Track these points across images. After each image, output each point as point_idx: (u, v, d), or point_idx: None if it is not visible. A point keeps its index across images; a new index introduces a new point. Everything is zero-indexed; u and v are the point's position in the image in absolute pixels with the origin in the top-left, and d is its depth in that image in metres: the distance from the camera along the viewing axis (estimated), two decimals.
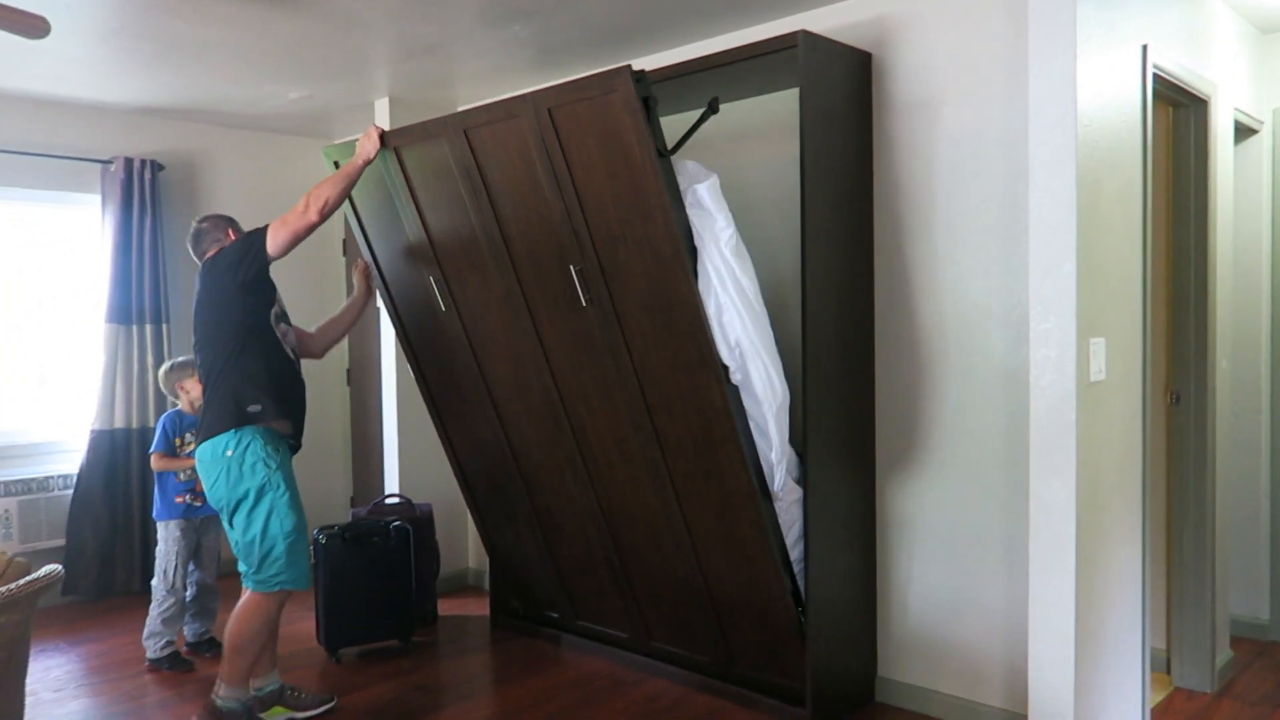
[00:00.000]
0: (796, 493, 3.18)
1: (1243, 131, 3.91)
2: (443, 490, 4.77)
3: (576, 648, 4.09)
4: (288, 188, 5.34)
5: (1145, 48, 2.98)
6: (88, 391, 4.94)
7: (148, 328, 4.97)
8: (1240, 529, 3.97)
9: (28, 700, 2.57)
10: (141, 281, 4.96)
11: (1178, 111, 3.50)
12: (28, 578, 2.18)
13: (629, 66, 2.81)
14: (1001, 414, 3.14)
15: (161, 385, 4.16)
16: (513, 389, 3.78)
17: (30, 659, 2.39)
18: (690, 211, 3.01)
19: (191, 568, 4.04)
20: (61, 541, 4.81)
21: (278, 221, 3.21)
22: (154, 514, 4.04)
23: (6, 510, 4.67)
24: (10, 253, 4.88)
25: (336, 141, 5.70)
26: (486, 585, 4.72)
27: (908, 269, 3.32)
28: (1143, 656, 3.08)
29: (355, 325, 3.92)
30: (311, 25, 3.63)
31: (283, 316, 3.42)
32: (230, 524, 3.23)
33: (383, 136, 3.49)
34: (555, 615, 4.24)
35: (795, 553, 3.21)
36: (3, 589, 2.10)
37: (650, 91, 2.87)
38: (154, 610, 3.97)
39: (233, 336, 3.22)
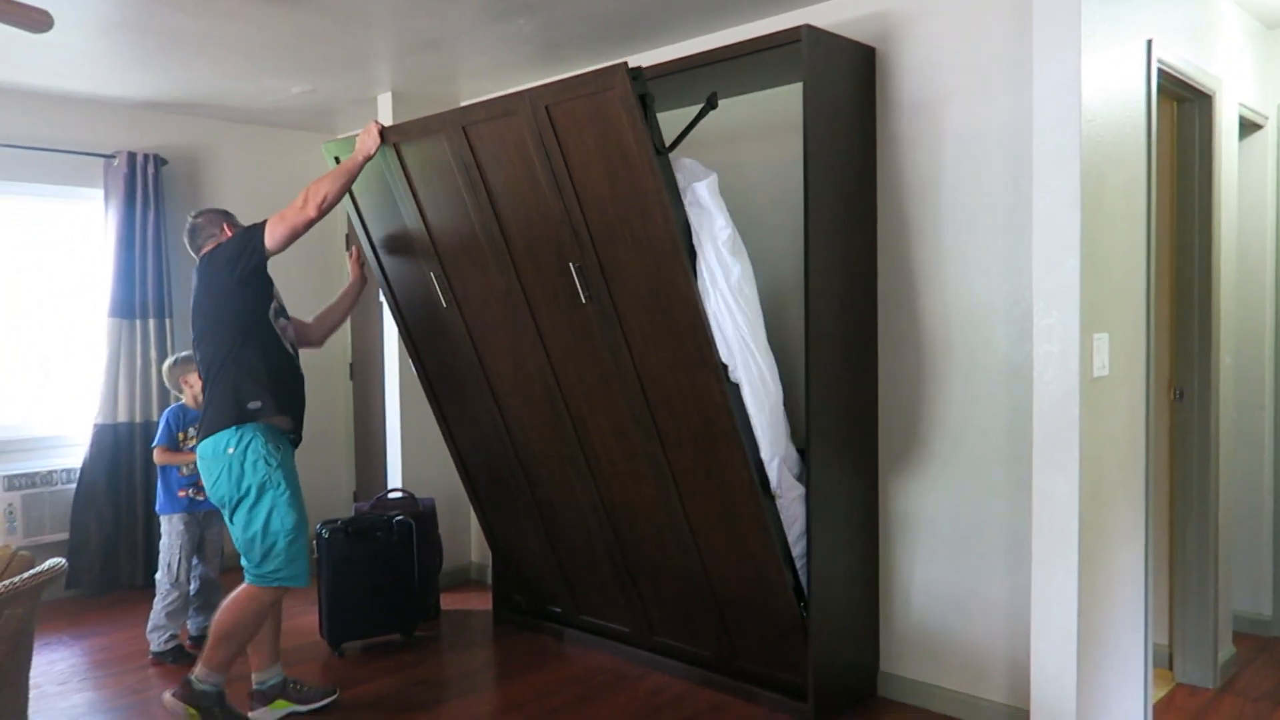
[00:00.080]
0: (798, 489, 3.18)
1: (1247, 127, 3.90)
2: (445, 485, 4.78)
3: (579, 642, 4.10)
4: (290, 182, 5.34)
5: (1150, 43, 2.97)
6: (91, 386, 4.95)
7: (151, 322, 4.97)
8: (1243, 525, 3.97)
9: (32, 693, 2.57)
10: (144, 276, 4.97)
11: (1182, 107, 3.50)
12: (31, 571, 2.18)
13: (625, 64, 2.81)
14: (1004, 410, 3.14)
15: (165, 379, 4.16)
16: (514, 384, 3.78)
17: (34, 652, 2.40)
18: (689, 210, 3.00)
19: (195, 561, 4.05)
20: (65, 535, 4.82)
21: (276, 217, 3.21)
22: (157, 508, 4.04)
23: (10, 504, 4.68)
24: (13, 247, 4.88)
25: (338, 137, 5.69)
26: (489, 580, 4.73)
27: (911, 265, 3.31)
28: (1145, 652, 3.08)
29: (352, 311, 3.92)
30: (314, 19, 3.63)
31: (281, 311, 3.42)
32: (231, 520, 3.24)
33: (382, 132, 3.48)
34: (558, 610, 4.24)
35: (798, 548, 3.22)
36: (6, 582, 2.11)
37: (647, 89, 2.87)
38: (158, 604, 3.98)
39: (232, 332, 3.22)
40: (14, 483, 4.70)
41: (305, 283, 5.05)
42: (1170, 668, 3.63)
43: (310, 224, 3.22)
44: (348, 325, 5.86)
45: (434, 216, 3.66)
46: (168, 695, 3.19)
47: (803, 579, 3.22)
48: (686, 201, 3.01)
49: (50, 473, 4.83)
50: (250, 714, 3.36)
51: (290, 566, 3.21)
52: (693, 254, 2.99)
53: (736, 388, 3.07)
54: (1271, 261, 3.97)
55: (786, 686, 3.36)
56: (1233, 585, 3.83)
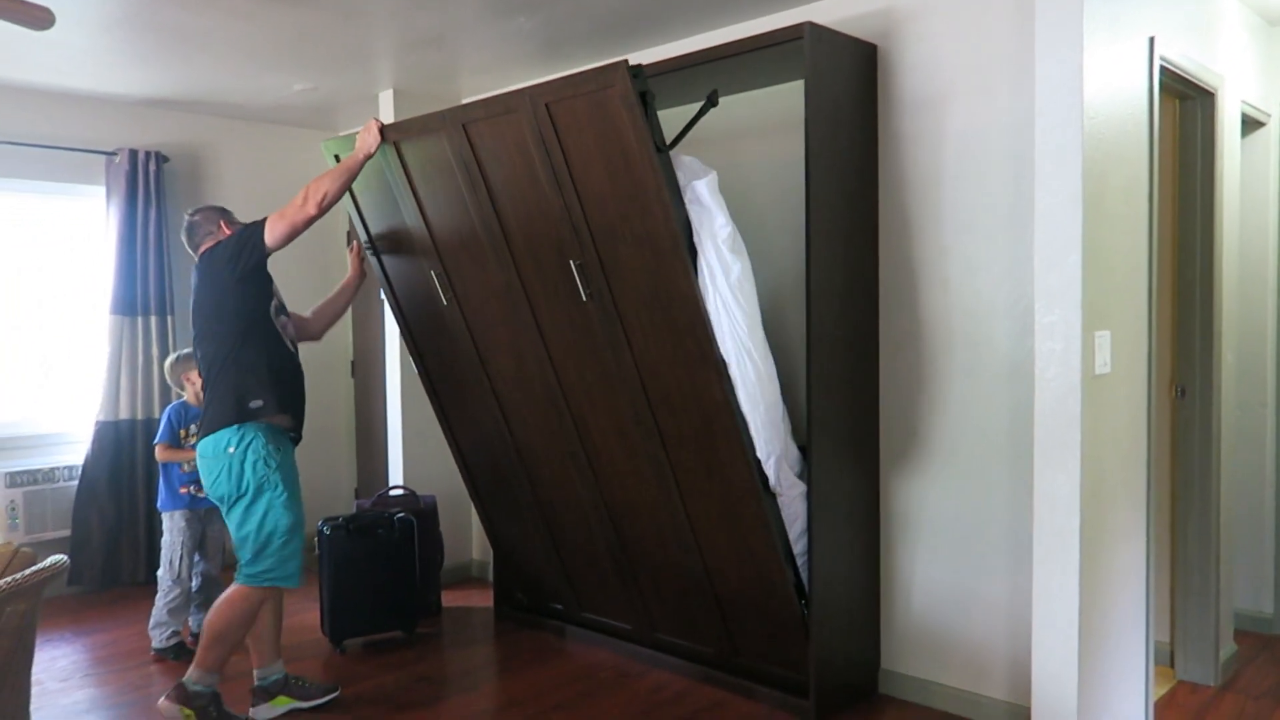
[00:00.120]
0: (800, 487, 3.18)
1: (1250, 124, 3.89)
2: (446, 482, 4.78)
3: (580, 640, 4.10)
4: (292, 179, 5.33)
5: (1152, 40, 2.97)
6: (93, 383, 4.96)
7: (152, 319, 4.98)
8: (1245, 523, 3.97)
9: (34, 690, 2.58)
10: (146, 273, 4.97)
11: (1184, 104, 3.49)
12: (33, 568, 2.19)
13: (625, 61, 2.80)
14: (1006, 407, 3.13)
15: (167, 377, 4.17)
16: (514, 382, 3.78)
17: (36, 649, 2.41)
18: (689, 207, 3.00)
19: (197, 558, 4.05)
20: (67, 532, 4.83)
21: (276, 214, 3.21)
22: (159, 505, 4.05)
23: (12, 501, 4.69)
24: (15, 245, 4.89)
25: (340, 134, 5.69)
26: (490, 577, 4.73)
27: (912, 263, 3.31)
28: (1146, 650, 3.07)
29: (350, 304, 3.93)
30: (316, 17, 3.62)
31: (281, 308, 3.42)
32: (227, 516, 3.25)
33: (382, 130, 3.48)
34: (559, 607, 4.25)
35: (799, 546, 3.22)
36: (8, 579, 2.11)
37: (648, 86, 2.86)
38: (159, 601, 3.99)
39: (233, 330, 3.22)
40: (16, 479, 4.71)
41: (305, 280, 5.05)
42: (1171, 665, 3.63)
43: (310, 222, 3.22)
44: (349, 322, 5.87)
45: (434, 214, 3.66)
46: (162, 700, 3.18)
47: (804, 576, 3.22)
48: (686, 199, 3.00)
49: (52, 470, 4.83)
50: (252, 709, 3.37)
51: (282, 567, 3.22)
52: (693, 252, 2.99)
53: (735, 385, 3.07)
54: (1274, 259, 3.96)
55: (787, 684, 3.37)
56: (1234, 583, 3.82)
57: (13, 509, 4.69)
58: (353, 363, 5.92)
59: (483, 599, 4.71)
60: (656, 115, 2.92)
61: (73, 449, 4.96)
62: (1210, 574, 3.52)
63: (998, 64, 3.09)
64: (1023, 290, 3.06)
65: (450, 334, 3.93)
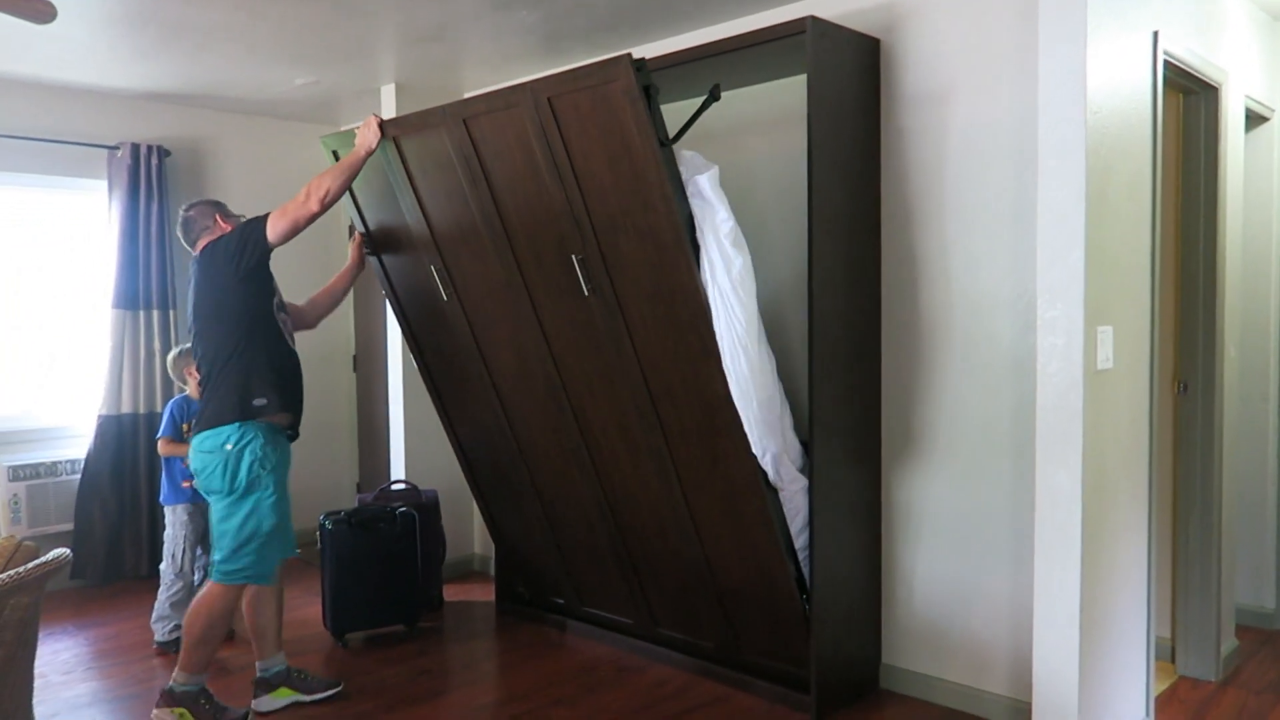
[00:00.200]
0: (801, 481, 3.17)
1: (1253, 119, 3.88)
2: (448, 476, 4.78)
3: (582, 634, 4.11)
4: (294, 173, 5.34)
5: (1156, 34, 2.96)
6: (95, 377, 4.96)
7: (155, 313, 4.98)
8: (1246, 518, 3.97)
9: (37, 683, 2.59)
10: (148, 267, 4.97)
11: (1188, 99, 3.48)
12: (36, 561, 2.19)
13: (629, 55, 2.80)
14: (1008, 402, 3.13)
15: (169, 371, 4.17)
16: (516, 377, 3.78)
17: (39, 642, 2.41)
18: (691, 202, 2.99)
19: (199, 552, 4.06)
20: (69, 526, 4.84)
21: (278, 211, 3.20)
22: (161, 499, 4.05)
23: (15, 495, 4.70)
24: (17, 238, 4.89)
25: (341, 128, 5.69)
26: (492, 571, 4.74)
27: (915, 258, 3.31)
28: (1147, 645, 3.08)
29: (347, 294, 3.92)
30: (317, 11, 3.62)
31: (281, 305, 3.43)
32: (212, 509, 3.26)
33: (382, 126, 3.47)
34: (561, 601, 4.25)
35: (800, 540, 3.22)
36: (11, 572, 2.11)
37: (651, 80, 2.86)
38: (162, 594, 4.00)
39: (238, 327, 3.21)
40: (19, 473, 4.72)
41: (307, 273, 5.04)
42: (1172, 660, 3.63)
43: (312, 219, 3.22)
44: (350, 316, 5.88)
45: (434, 210, 3.66)
46: (154, 712, 3.18)
47: (805, 571, 3.22)
48: (689, 194, 3.00)
49: (55, 463, 4.84)
50: (253, 701, 3.38)
51: (258, 566, 3.22)
52: (695, 246, 2.99)
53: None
54: (1277, 254, 3.96)
55: (789, 678, 3.37)
56: (1235, 578, 3.82)
57: (15, 503, 4.70)
58: (354, 357, 5.92)
59: (484, 593, 4.72)
60: (660, 109, 2.91)
61: (75, 443, 4.97)
62: (1211, 569, 3.52)
63: (1001, 59, 3.08)
64: (1025, 285, 3.06)
65: (450, 329, 3.93)
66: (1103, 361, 2.75)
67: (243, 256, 3.19)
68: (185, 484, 3.98)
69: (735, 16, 3.75)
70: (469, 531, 5.14)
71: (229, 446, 3.16)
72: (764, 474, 3.12)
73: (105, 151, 4.93)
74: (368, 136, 3.42)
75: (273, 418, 3.25)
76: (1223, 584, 3.56)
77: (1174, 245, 3.55)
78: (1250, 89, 3.73)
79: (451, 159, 3.43)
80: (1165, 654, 3.63)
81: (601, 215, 3.12)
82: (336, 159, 3.88)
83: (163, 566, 4.02)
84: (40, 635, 2.44)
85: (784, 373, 3.22)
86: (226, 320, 3.22)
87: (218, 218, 3.40)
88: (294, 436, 3.40)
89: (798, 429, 3.23)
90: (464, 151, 3.37)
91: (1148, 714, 3.08)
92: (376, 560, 4.06)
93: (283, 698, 3.40)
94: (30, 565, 2.16)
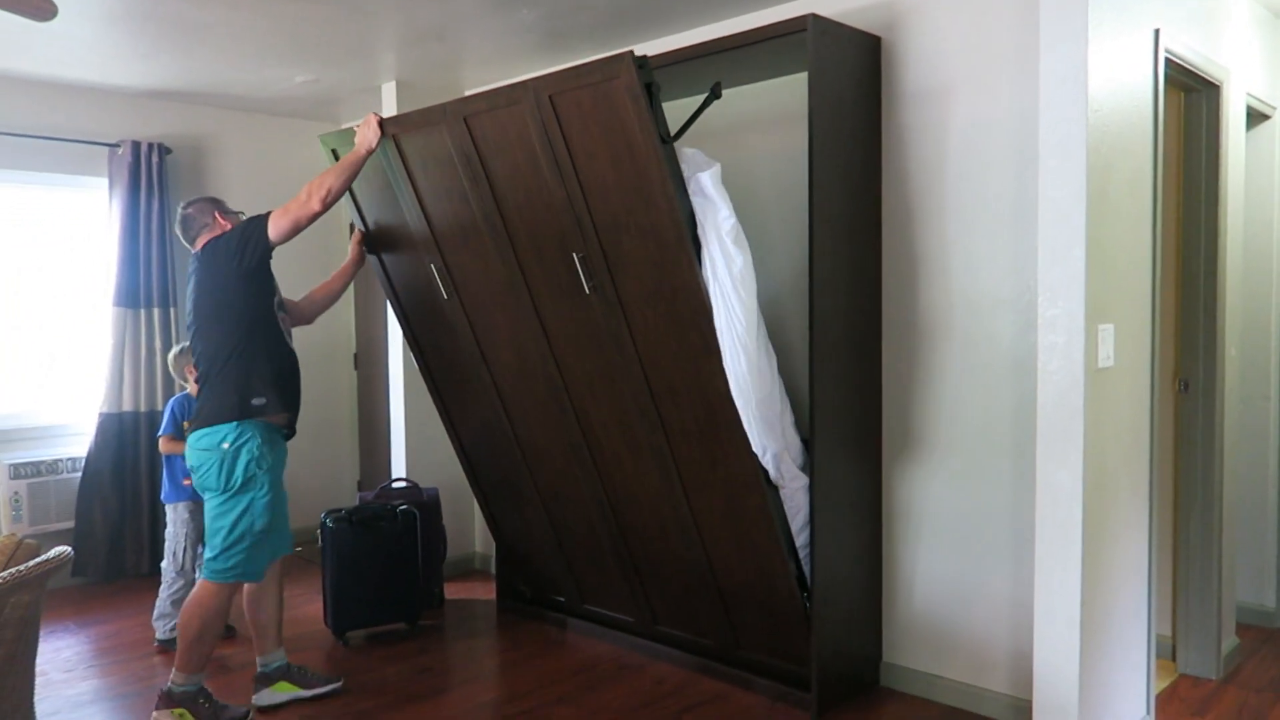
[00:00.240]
0: (802, 479, 3.17)
1: (1255, 117, 3.88)
2: (449, 474, 4.79)
3: (582, 632, 4.11)
4: (294, 171, 5.35)
5: (1157, 32, 2.95)
6: (96, 375, 4.96)
7: (155, 311, 4.98)
8: (1247, 516, 3.97)
9: (38, 680, 2.59)
10: (149, 265, 4.98)
11: (1189, 96, 3.48)
12: (37, 559, 2.19)
13: (631, 52, 2.79)
14: (1009, 400, 3.13)
15: (170, 369, 4.17)
16: (516, 376, 3.78)
17: (40, 640, 2.41)
18: (693, 199, 2.99)
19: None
20: (71, 524, 4.84)
21: (280, 210, 3.21)
22: (162, 497, 4.06)
23: (16, 492, 4.70)
24: (18, 236, 4.89)
25: (342, 126, 5.69)
26: (493, 569, 4.74)
27: (916, 256, 3.30)
28: (1148, 643, 3.08)
29: (345, 290, 3.93)
30: (318, 8, 3.62)
31: (281, 304, 3.43)
32: (206, 506, 3.27)
33: (381, 124, 3.47)
34: (561, 599, 4.25)
35: (801, 538, 3.22)
36: (12, 570, 2.11)
37: (653, 77, 2.86)
38: (163, 592, 4.00)
39: (239, 326, 3.21)
40: (19, 471, 4.72)
41: (307, 274, 5.04)
42: (1173, 659, 3.63)
43: (314, 218, 3.22)
44: (351, 315, 5.88)
45: (434, 208, 3.65)
46: (154, 714, 3.17)
47: (806, 569, 3.22)
48: (690, 191, 3.00)
49: (56, 461, 4.85)
50: (254, 696, 3.39)
51: (249, 564, 3.22)
52: (696, 244, 2.99)
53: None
54: (1278, 253, 3.95)
55: (789, 676, 3.37)
56: (1236, 576, 3.82)
57: (16, 500, 4.70)
58: (355, 355, 5.92)
59: (485, 591, 4.72)
60: (661, 107, 2.91)
61: (76, 441, 4.97)
62: (1212, 567, 3.52)
63: (1002, 56, 3.08)
64: (1026, 283, 3.06)
65: (451, 328, 3.93)
66: (1103, 360, 2.75)
67: (244, 255, 3.19)
68: (186, 482, 3.97)
69: (736, 14, 3.75)
70: (470, 529, 5.15)
71: (225, 445, 3.16)
72: (765, 472, 3.12)
73: (106, 149, 4.93)
74: (367, 135, 3.42)
75: (270, 417, 3.26)
76: (1223, 582, 3.56)
77: (1175, 243, 3.55)
78: (1252, 87, 3.73)
79: (452, 157, 3.43)
80: (1166, 652, 3.63)
81: (603, 213, 3.12)
82: (336, 157, 3.89)
83: (164, 564, 4.02)
84: (41, 633, 2.44)
85: (785, 370, 3.22)
86: (226, 319, 3.22)
87: (216, 215, 3.39)
88: (290, 435, 3.40)
89: (798, 427, 3.23)
90: (465, 150, 3.37)
91: (1148, 712, 3.08)
92: (377, 558, 4.06)
93: (282, 692, 3.41)
94: (31, 563, 2.16)
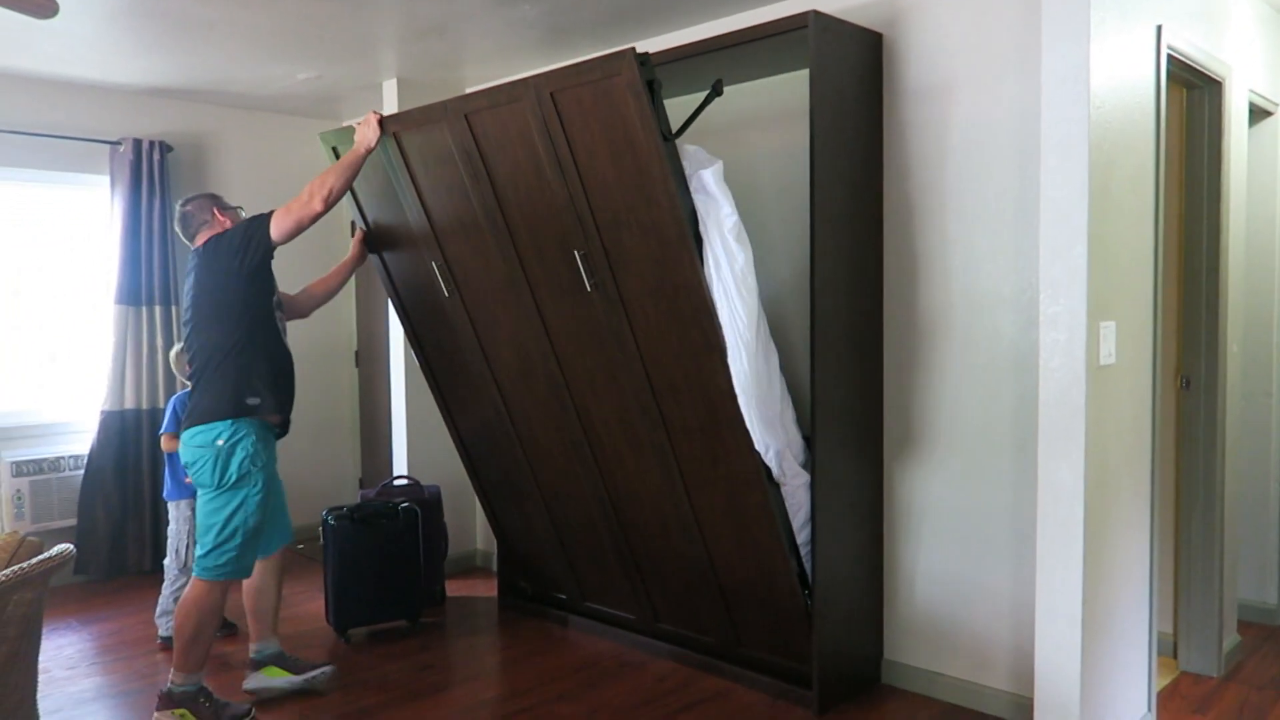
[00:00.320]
0: (803, 477, 3.18)
1: (1257, 113, 3.87)
2: (451, 472, 4.79)
3: (584, 629, 4.11)
4: (296, 169, 5.35)
5: (1159, 28, 2.95)
6: (98, 373, 4.97)
7: (157, 309, 4.99)
8: (1249, 514, 3.96)
9: (41, 678, 2.59)
10: (150, 263, 4.98)
11: (1191, 93, 3.47)
12: (40, 557, 2.19)
13: (633, 49, 2.79)
14: (1010, 397, 3.13)
15: (173, 366, 4.18)
16: (518, 374, 3.78)
17: (43, 637, 2.42)
18: (695, 196, 2.99)
19: None
20: (73, 521, 4.85)
21: (282, 210, 3.21)
22: (165, 494, 4.06)
23: (18, 490, 4.71)
24: (20, 234, 4.89)
25: (343, 124, 5.69)
26: (494, 566, 4.74)
27: (917, 253, 3.30)
28: (1149, 640, 3.08)
29: (343, 286, 3.94)
30: (320, 5, 3.62)
31: (279, 303, 3.44)
32: (199, 502, 3.27)
33: (381, 122, 3.47)
34: (563, 597, 4.26)
35: (802, 536, 3.22)
36: (15, 568, 2.12)
37: (654, 74, 2.85)
38: (166, 589, 4.01)
39: (238, 324, 3.22)
40: (22, 469, 4.73)
41: (307, 273, 5.04)
42: (1175, 656, 3.63)
43: (316, 218, 3.23)
44: (352, 312, 5.88)
45: (435, 206, 3.65)
46: (155, 715, 3.18)
47: (807, 566, 3.22)
48: (692, 188, 3.00)
49: (58, 459, 4.85)
50: (245, 682, 3.44)
51: (239, 562, 3.23)
52: (698, 241, 2.99)
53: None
54: None
55: (790, 673, 3.37)
56: (1238, 574, 3.82)
57: (19, 498, 4.71)
58: (356, 353, 5.92)
59: (487, 588, 4.72)
60: (663, 104, 2.91)
61: (78, 438, 4.97)
62: (1214, 565, 3.52)
63: (1004, 53, 3.08)
64: (1028, 280, 3.06)
65: (452, 325, 3.93)
66: (1105, 357, 2.75)
67: (246, 254, 3.20)
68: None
69: (738, 11, 3.74)
70: (471, 527, 5.15)
71: (220, 442, 3.17)
72: (766, 469, 3.12)
73: (107, 147, 4.93)
74: (367, 134, 3.42)
75: (265, 416, 3.26)
76: (1225, 579, 3.56)
77: (1177, 240, 3.54)
78: (1254, 83, 3.72)
79: (453, 154, 3.43)
80: (1167, 649, 3.63)
81: (604, 210, 3.11)
82: (336, 155, 3.89)
83: (166, 561, 4.03)
84: (44, 631, 2.45)
85: (786, 368, 3.22)
86: (225, 317, 3.22)
87: (215, 211, 3.40)
88: (282, 434, 3.42)
89: (800, 424, 3.23)
90: (466, 147, 3.37)
91: (1149, 709, 3.08)
92: (379, 556, 4.06)
93: (272, 676, 3.45)
94: (34, 561, 2.17)
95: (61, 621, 4.31)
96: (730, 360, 3.01)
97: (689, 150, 3.05)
